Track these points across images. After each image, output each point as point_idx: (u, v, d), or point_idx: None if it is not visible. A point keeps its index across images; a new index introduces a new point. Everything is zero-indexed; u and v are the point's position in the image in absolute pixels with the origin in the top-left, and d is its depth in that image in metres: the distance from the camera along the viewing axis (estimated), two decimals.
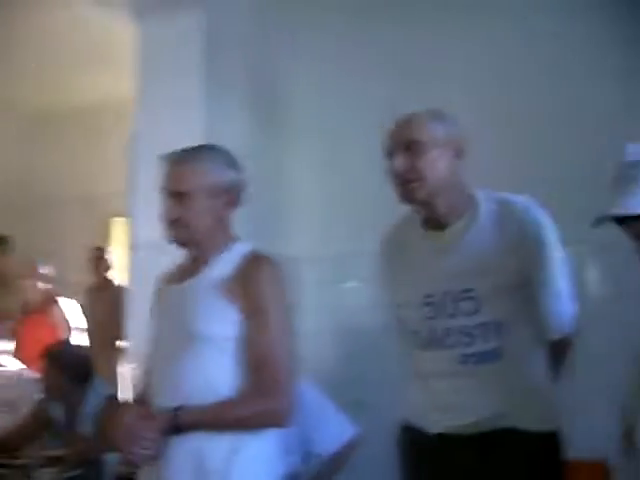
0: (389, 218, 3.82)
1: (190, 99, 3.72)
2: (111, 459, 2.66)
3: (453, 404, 1.88)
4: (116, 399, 3.23)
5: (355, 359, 3.99)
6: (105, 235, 6.45)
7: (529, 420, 1.85)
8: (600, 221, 1.49)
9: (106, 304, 5.54)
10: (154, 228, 3.85)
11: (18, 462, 2.90)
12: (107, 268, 5.71)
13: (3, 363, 3.86)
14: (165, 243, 3.73)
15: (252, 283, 1.84)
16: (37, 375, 3.82)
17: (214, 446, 1.80)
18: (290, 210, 4.29)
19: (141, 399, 1.98)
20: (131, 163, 4.04)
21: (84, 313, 5.30)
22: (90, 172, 6.37)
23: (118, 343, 5.44)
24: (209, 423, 1.80)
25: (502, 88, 3.80)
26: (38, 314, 4.87)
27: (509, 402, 1.84)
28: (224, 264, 1.91)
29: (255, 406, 1.80)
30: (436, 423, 1.90)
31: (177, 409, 1.78)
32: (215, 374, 1.83)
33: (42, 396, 3.23)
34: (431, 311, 1.90)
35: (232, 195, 1.97)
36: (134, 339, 4.05)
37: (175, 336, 1.88)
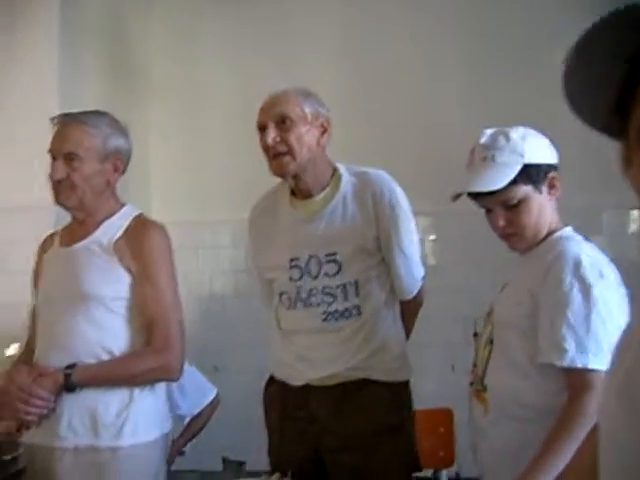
0: (243, 187, 3.96)
1: (42, 57, 3.59)
2: None
3: (315, 358, 2.05)
4: None
5: (210, 325, 4.10)
6: None
7: (382, 372, 2.06)
8: (457, 196, 1.68)
9: None
10: None
11: None
12: None
13: None
14: (6, 209, 3.64)
15: (142, 246, 1.92)
16: None
17: (108, 401, 1.87)
18: (143, 174, 4.28)
19: (25, 360, 2.00)
20: None
21: None
22: None
23: None
24: (103, 379, 1.87)
25: (365, 72, 3.99)
26: None
27: (365, 355, 2.04)
28: (113, 227, 1.97)
29: (148, 362, 1.90)
30: (299, 375, 2.07)
31: (70, 367, 1.84)
32: (106, 333, 1.90)
33: None
34: (297, 273, 2.06)
35: (120, 160, 2.02)
36: None
37: (65, 298, 1.92)
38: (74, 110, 2.06)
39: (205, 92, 4.22)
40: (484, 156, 1.66)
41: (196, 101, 4.23)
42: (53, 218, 3.27)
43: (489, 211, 1.70)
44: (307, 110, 2.03)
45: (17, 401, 1.82)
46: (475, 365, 1.75)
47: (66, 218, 2.12)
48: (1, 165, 3.67)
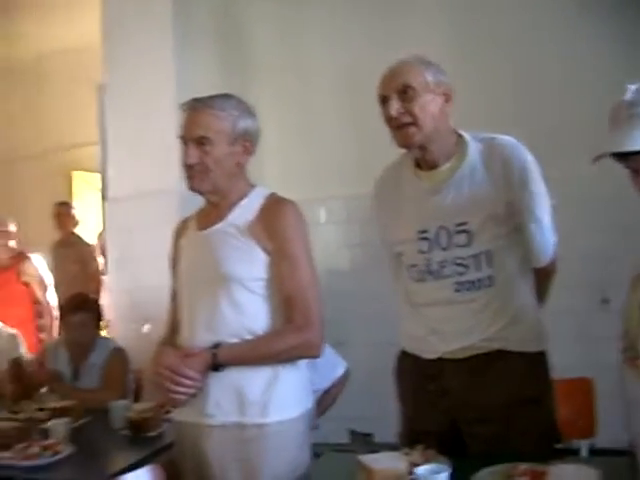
0: (355, 163, 3.96)
1: (159, 46, 3.72)
2: (119, 406, 2.75)
3: (447, 330, 2.02)
4: (123, 352, 3.31)
5: (332, 300, 4.13)
6: (68, 189, 6.35)
7: (516, 342, 2.01)
8: (600, 157, 1.60)
9: (74, 260, 5.53)
10: (127, 181, 3.94)
11: (22, 416, 2.95)
12: (74, 223, 5.66)
13: None
14: (139, 195, 3.81)
15: (277, 225, 1.94)
16: (13, 332, 3.86)
17: (253, 379, 1.92)
18: (256, 154, 4.35)
19: (169, 342, 2.08)
20: (101, 115, 4.03)
21: (51, 269, 5.27)
22: (50, 125, 6.22)
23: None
24: (248, 358, 1.92)
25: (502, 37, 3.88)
26: (7, 272, 4.80)
27: (499, 326, 1.99)
28: (246, 209, 2.00)
29: (290, 339, 1.93)
30: (432, 348, 2.05)
31: (215, 346, 1.90)
32: (247, 313, 1.94)
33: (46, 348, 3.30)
34: (426, 245, 2.03)
35: (249, 142, 2.03)
36: (115, 290, 4.12)
37: (205, 280, 1.97)
38: (190, 95, 2.09)
39: (315, 71, 4.24)
40: (630, 114, 1.57)
41: (306, 80, 4.26)
42: (179, 202, 3.41)
43: (635, 172, 1.61)
44: (429, 79, 1.99)
45: (167, 382, 1.88)
46: (627, 331, 1.68)
47: (191, 201, 2.17)
48: (128, 153, 3.85)
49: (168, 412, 2.73)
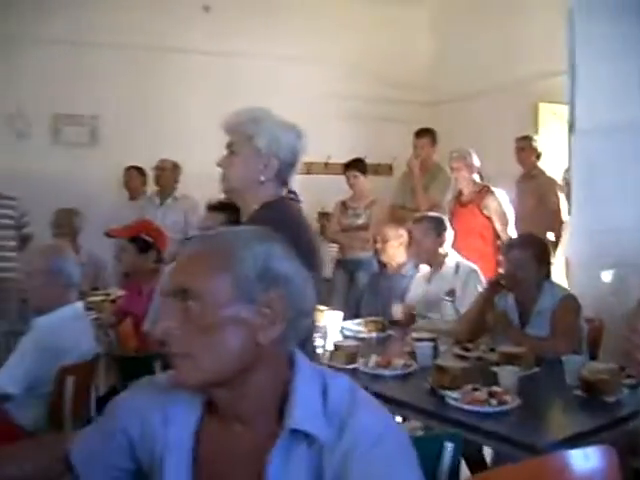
0: None
1: None
2: (573, 361, 2.50)
3: None
4: (575, 300, 3.04)
5: None
6: (532, 121, 6.11)
7: None
8: None
9: (532, 193, 5.31)
10: (596, 112, 3.57)
11: (473, 354, 2.91)
12: (536, 156, 5.43)
13: (447, 252, 3.87)
14: (609, 128, 3.41)
15: None
16: (473, 267, 3.80)
17: None
18: None
19: None
20: (571, 41, 3.70)
21: (513, 204, 5.16)
22: (512, 55, 6.03)
23: (548, 235, 5.22)
24: None
25: None
26: (470, 205, 4.84)
27: None
28: None
29: None
30: None
31: None
32: None
33: (491, 289, 3.21)
34: None
35: None
36: (576, 231, 3.83)
37: None
38: None
39: None
40: None
41: None
42: None
43: None
44: None
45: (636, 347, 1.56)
46: None
47: None
48: (598, 81, 3.49)
49: (629, 376, 2.42)
